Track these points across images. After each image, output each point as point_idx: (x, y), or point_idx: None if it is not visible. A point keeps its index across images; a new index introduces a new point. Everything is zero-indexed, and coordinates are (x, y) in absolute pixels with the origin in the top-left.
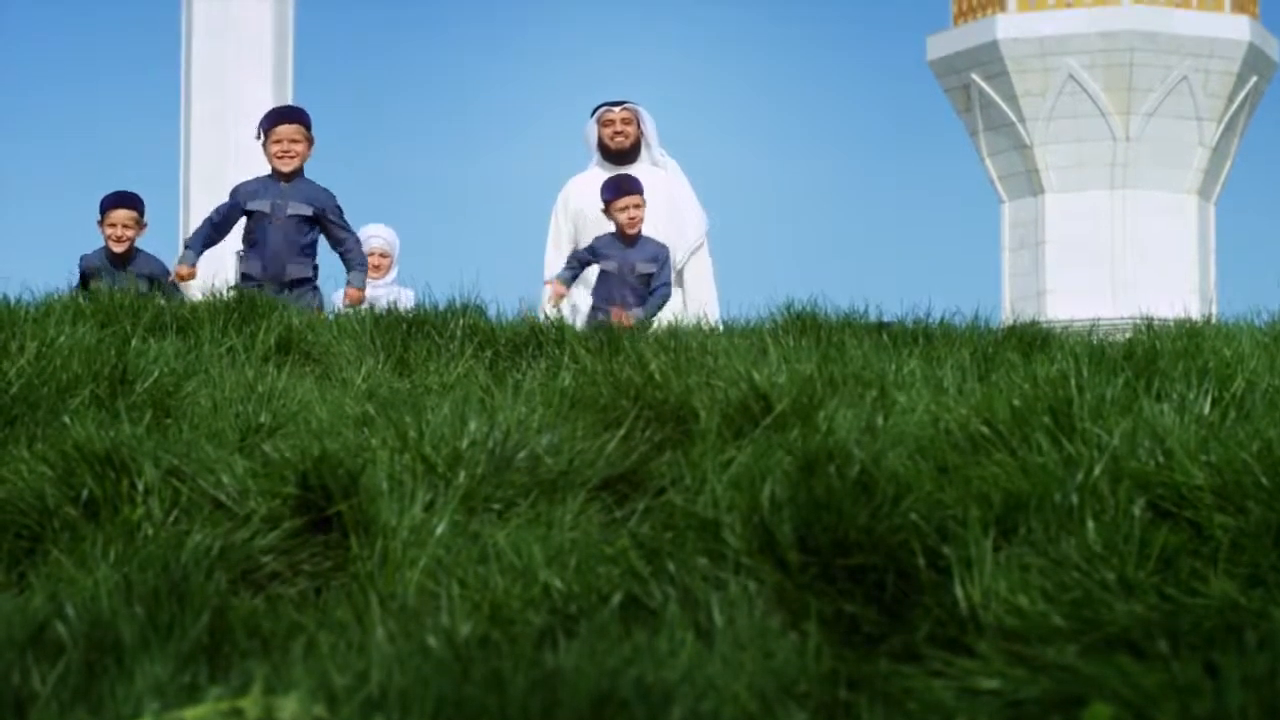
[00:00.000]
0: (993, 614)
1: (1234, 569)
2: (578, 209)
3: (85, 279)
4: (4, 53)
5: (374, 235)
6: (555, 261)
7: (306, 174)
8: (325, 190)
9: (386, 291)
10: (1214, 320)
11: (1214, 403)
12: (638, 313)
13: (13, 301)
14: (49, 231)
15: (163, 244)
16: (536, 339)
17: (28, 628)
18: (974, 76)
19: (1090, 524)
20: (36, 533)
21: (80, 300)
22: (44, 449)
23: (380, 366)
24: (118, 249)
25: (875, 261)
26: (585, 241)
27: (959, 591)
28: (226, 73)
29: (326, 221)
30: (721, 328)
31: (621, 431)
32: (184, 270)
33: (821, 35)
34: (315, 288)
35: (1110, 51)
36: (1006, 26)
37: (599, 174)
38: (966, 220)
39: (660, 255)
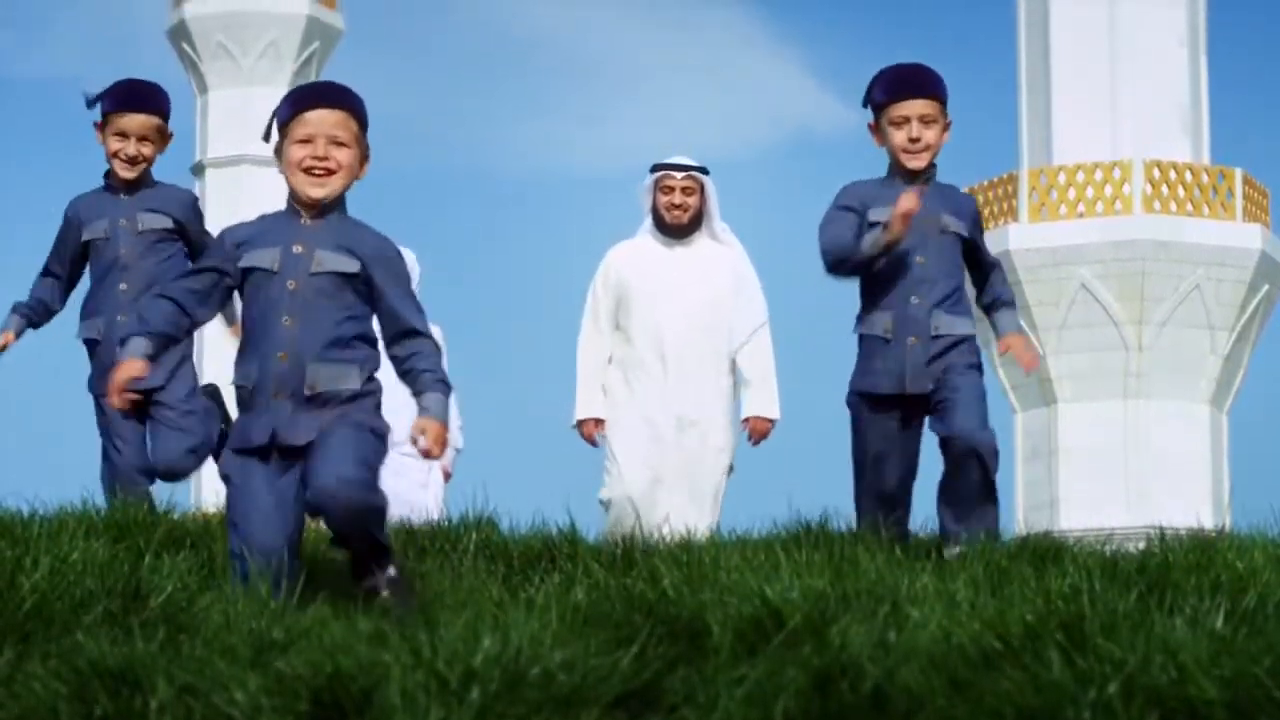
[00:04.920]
0: None
1: None
2: (620, 280)
3: (68, 246)
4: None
5: None
6: (593, 341)
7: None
8: (378, 235)
9: None
10: (1227, 530)
11: (1226, 616)
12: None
13: (26, 515)
14: (51, 443)
15: None
16: (549, 553)
17: None
18: None
19: None
20: None
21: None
22: (57, 665)
23: None
24: (127, 174)
25: None
26: (627, 317)
27: None
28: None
29: (372, 280)
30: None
31: (635, 648)
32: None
33: None
34: (372, 404)
35: (1122, 261)
36: (1018, 236)
37: (649, 243)
38: None
39: (973, 208)
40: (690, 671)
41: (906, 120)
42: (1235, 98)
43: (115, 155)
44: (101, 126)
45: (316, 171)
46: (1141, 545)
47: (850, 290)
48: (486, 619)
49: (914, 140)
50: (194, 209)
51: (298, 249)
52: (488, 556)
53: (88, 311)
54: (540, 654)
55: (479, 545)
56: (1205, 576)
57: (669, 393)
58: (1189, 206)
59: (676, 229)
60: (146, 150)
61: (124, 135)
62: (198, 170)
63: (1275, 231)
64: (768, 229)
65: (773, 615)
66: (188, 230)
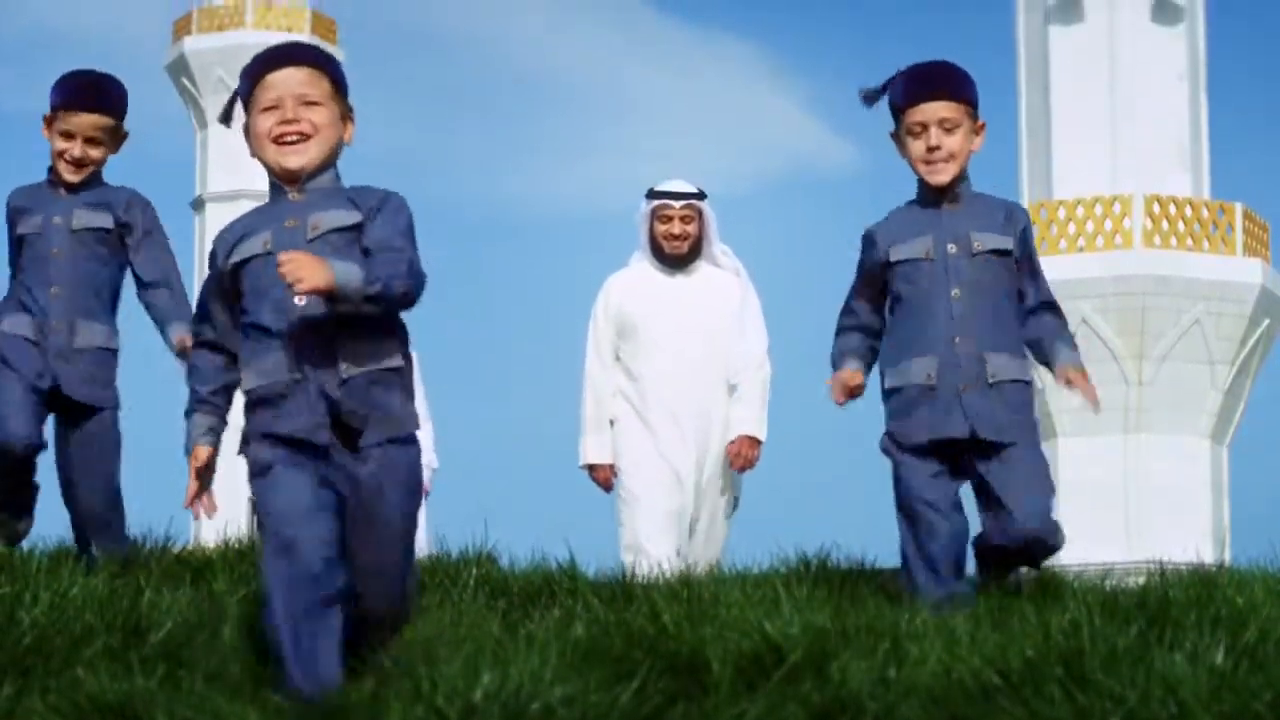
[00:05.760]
0: None
1: None
2: (619, 308)
3: (8, 239)
4: None
5: None
6: (598, 374)
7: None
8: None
9: None
10: (1227, 565)
11: (1227, 651)
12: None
13: (25, 550)
14: None
15: None
16: (549, 588)
17: None
18: None
19: None
20: None
21: None
22: (57, 701)
23: None
24: (72, 178)
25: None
26: (629, 349)
27: None
28: None
29: (371, 224)
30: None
31: (635, 684)
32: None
33: (833, 281)
34: (411, 427)
35: (1123, 296)
36: None
37: (648, 271)
38: None
39: (1017, 218)
40: (690, 707)
41: (924, 128)
42: (1236, 132)
43: (60, 156)
44: (49, 121)
45: (289, 138)
46: (1141, 580)
47: None
48: (486, 654)
49: (932, 150)
50: (138, 207)
51: (290, 223)
52: (487, 592)
53: (12, 307)
54: (540, 690)
55: (479, 580)
56: (1205, 612)
57: (681, 426)
58: (1189, 241)
59: (676, 259)
60: (95, 153)
61: (70, 136)
62: (197, 205)
63: (1275, 266)
64: (767, 264)
65: (773, 650)
66: (133, 229)
